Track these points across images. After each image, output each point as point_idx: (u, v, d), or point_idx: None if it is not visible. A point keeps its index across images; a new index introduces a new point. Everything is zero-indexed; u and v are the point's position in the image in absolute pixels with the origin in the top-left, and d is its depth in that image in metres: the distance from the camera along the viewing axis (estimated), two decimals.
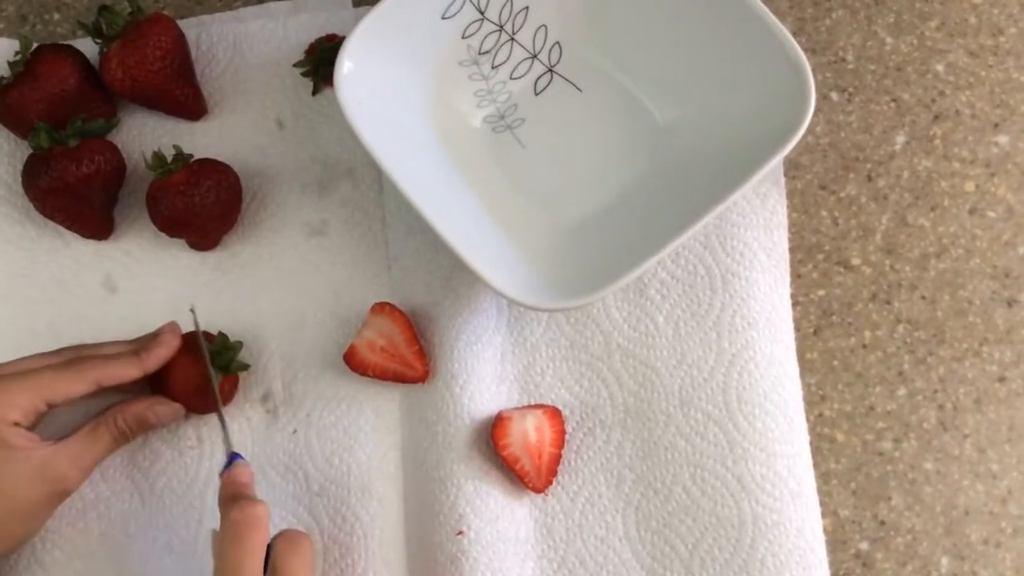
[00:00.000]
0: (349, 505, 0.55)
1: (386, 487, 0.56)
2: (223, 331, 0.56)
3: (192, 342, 0.55)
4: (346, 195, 0.60)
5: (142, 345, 0.54)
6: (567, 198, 0.59)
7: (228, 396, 0.56)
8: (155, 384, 0.55)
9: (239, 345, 0.56)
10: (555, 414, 0.56)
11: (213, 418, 0.56)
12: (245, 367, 0.56)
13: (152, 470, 0.56)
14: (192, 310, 0.55)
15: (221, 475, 0.51)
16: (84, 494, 0.56)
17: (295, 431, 0.57)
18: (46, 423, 0.52)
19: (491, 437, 0.55)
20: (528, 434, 0.54)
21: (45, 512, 0.51)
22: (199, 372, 0.54)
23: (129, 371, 0.52)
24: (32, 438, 0.50)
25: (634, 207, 0.57)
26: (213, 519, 0.52)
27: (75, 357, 0.52)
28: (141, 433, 0.54)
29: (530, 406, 0.56)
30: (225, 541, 0.46)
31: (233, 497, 0.49)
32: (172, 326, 0.56)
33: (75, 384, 0.51)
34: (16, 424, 0.49)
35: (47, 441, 0.51)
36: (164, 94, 0.60)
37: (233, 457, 0.52)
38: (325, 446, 0.56)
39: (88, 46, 0.60)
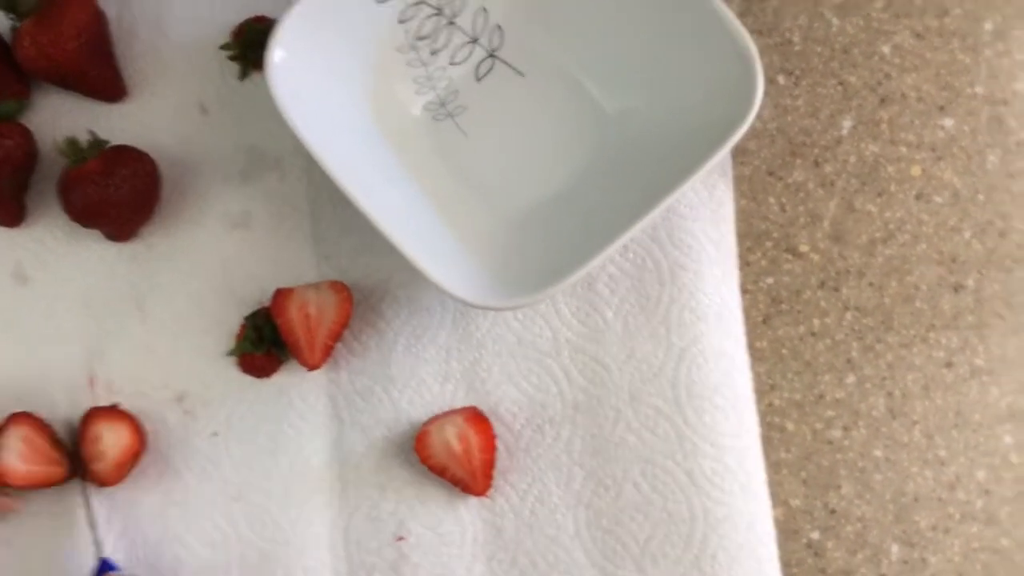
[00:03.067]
0: (268, 511, 0.54)
1: (308, 492, 0.54)
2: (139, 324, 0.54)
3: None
4: (272, 187, 0.58)
5: None
6: (512, 189, 0.57)
7: None
8: None
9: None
10: (478, 417, 0.54)
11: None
12: None
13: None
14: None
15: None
16: None
17: (215, 434, 0.55)
18: None
19: (414, 450, 0.53)
20: (451, 443, 0.53)
21: None
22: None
23: None
24: None
25: (581, 198, 0.56)
26: (121, 524, 0.53)
27: None
28: None
29: (450, 412, 0.55)
30: None
31: None
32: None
33: None
34: None
35: None
36: (80, 74, 0.56)
37: (104, 565, 0.49)
38: (246, 449, 0.55)
39: (0, 21, 0.56)
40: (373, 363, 0.56)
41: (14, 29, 0.55)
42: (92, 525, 0.51)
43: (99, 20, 0.57)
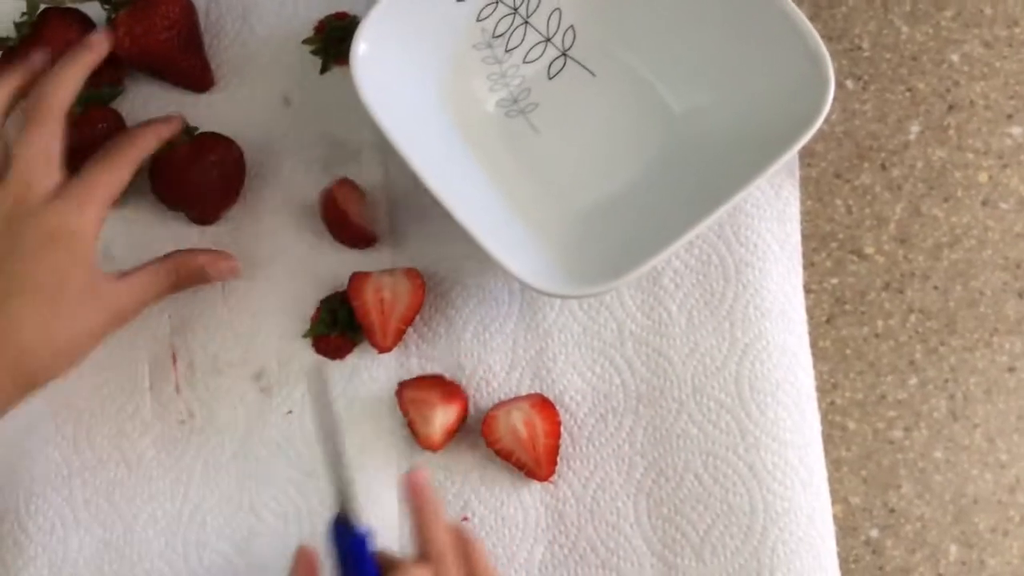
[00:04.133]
0: None
1: (377, 470, 0.56)
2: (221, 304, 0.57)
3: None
4: (351, 177, 0.60)
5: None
6: (581, 184, 0.58)
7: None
8: None
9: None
10: (545, 404, 0.55)
11: (208, 392, 0.57)
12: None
13: (141, 441, 0.56)
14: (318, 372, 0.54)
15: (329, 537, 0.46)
16: (70, 460, 0.56)
17: (290, 411, 0.57)
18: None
19: (481, 434, 0.55)
20: (517, 428, 0.54)
21: (99, 338, 0.52)
22: None
23: (158, 131, 0.54)
24: (97, 272, 0.51)
25: (649, 195, 0.57)
26: (198, 495, 0.55)
27: (108, 146, 0.53)
28: (197, 283, 0.56)
29: (517, 399, 0.56)
30: None
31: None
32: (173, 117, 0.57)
33: (123, 172, 0.52)
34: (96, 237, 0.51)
35: (111, 274, 0.52)
36: (171, 64, 0.59)
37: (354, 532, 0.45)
38: None
39: (96, 11, 0.59)
40: (442, 349, 0.57)
41: (109, 19, 0.58)
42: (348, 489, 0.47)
43: (190, 12, 0.59)
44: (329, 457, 0.46)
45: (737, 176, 0.52)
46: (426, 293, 0.57)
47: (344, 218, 0.57)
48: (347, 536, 0.46)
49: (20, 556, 0.55)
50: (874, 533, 0.55)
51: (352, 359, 0.57)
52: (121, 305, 0.52)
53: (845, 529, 0.55)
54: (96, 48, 0.55)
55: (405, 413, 0.55)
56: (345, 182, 0.58)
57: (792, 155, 0.52)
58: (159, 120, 0.56)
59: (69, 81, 0.53)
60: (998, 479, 0.55)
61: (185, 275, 0.54)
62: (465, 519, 0.55)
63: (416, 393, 0.55)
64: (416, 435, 0.54)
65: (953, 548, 0.54)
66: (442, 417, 0.54)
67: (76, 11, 0.59)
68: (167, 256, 0.54)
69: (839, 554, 0.54)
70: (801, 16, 0.53)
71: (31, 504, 0.56)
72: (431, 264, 0.58)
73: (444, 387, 0.55)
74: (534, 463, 0.55)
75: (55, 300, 0.50)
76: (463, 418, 0.55)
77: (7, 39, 0.58)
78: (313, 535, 0.55)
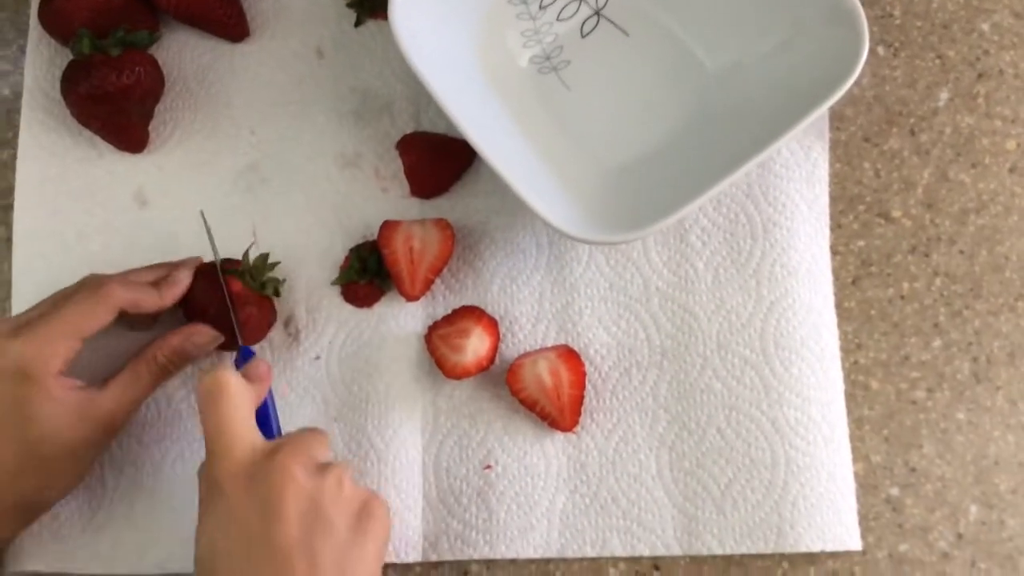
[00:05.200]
0: (365, 432, 0.56)
1: (403, 417, 0.56)
2: (252, 251, 0.57)
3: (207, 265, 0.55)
4: (383, 129, 0.61)
5: (162, 277, 0.54)
6: (612, 141, 0.59)
7: (262, 324, 0.56)
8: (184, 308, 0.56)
9: (274, 266, 0.57)
10: (571, 355, 0.56)
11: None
12: (277, 292, 0.57)
13: (171, 382, 0.57)
14: (201, 214, 0.57)
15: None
16: None
17: (317, 357, 0.57)
18: (88, 364, 0.52)
19: (506, 383, 0.55)
20: (542, 378, 0.55)
21: (96, 449, 0.52)
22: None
23: (149, 300, 0.52)
24: (74, 384, 0.50)
25: (679, 152, 0.57)
26: None
27: (92, 282, 0.52)
28: (183, 365, 0.55)
29: (543, 349, 0.57)
30: (201, 410, 0.47)
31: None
32: (191, 262, 0.56)
33: (101, 315, 0.51)
34: (59, 372, 0.49)
35: (92, 386, 0.51)
36: (208, 12, 0.60)
37: (245, 352, 0.53)
38: (345, 373, 0.57)
39: None
40: (469, 300, 0.58)
41: None
42: (235, 316, 0.54)
43: None
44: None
45: (768, 134, 0.52)
46: (455, 244, 0.57)
47: None
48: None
49: None
50: (895, 491, 0.55)
51: (380, 307, 0.58)
52: (109, 414, 0.51)
53: (866, 487, 0.55)
54: (180, 285, 0.54)
55: (434, 350, 0.55)
56: None
57: (822, 113, 0.52)
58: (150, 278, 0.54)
59: (137, 289, 0.52)
60: (1020, 441, 0.55)
61: (166, 363, 0.53)
62: (488, 467, 0.56)
63: (448, 328, 0.55)
64: (444, 368, 0.55)
65: (973, 508, 0.54)
66: (476, 342, 0.55)
67: None
68: (142, 351, 0.53)
69: (860, 511, 0.54)
70: None
71: None
72: (461, 217, 0.59)
73: (481, 316, 0.56)
74: (558, 413, 0.55)
75: (30, 437, 0.49)
76: (493, 353, 0.56)
77: None
78: None
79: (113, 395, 0.51)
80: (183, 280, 0.54)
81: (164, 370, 0.53)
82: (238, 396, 0.47)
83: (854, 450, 0.55)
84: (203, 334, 0.54)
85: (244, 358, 0.54)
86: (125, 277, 0.53)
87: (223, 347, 0.56)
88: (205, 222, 0.56)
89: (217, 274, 0.54)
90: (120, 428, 0.52)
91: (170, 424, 0.57)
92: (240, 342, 0.54)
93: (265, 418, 0.53)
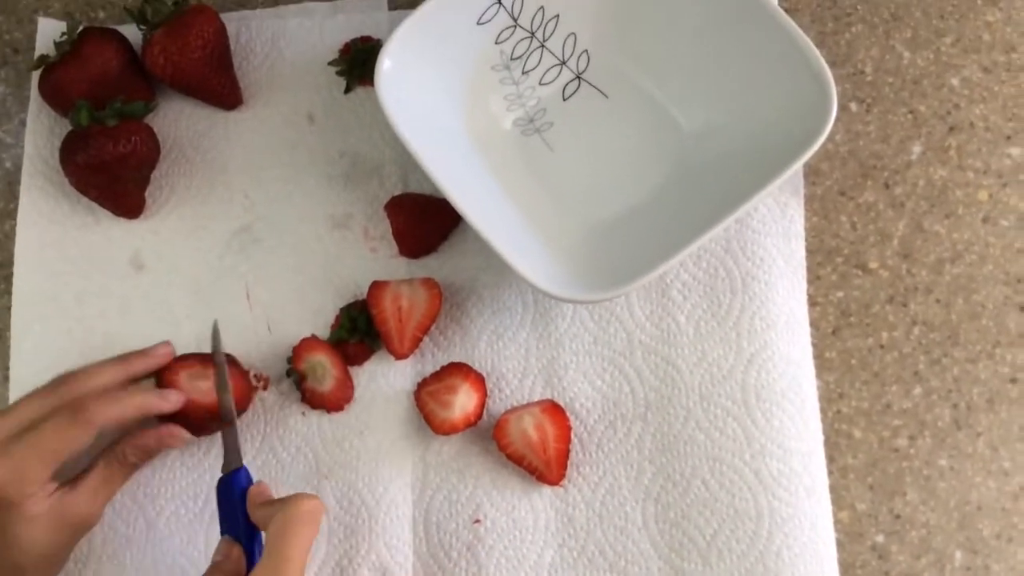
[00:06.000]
0: (356, 488, 0.57)
1: (393, 473, 0.57)
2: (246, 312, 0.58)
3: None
4: (372, 191, 0.62)
5: (134, 372, 0.54)
6: (593, 200, 0.61)
7: (246, 396, 0.58)
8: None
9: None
10: (556, 409, 0.57)
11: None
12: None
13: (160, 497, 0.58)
14: (215, 326, 0.57)
15: (219, 481, 0.52)
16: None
17: (304, 413, 0.58)
18: None
19: (493, 438, 0.56)
20: (528, 432, 0.56)
21: (69, 549, 0.53)
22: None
23: (127, 411, 0.52)
24: (47, 492, 0.50)
25: (659, 210, 0.59)
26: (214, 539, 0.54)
27: (72, 401, 0.51)
28: (150, 458, 0.55)
29: (529, 404, 0.58)
30: (284, 531, 0.47)
31: (270, 501, 0.50)
32: (159, 349, 0.56)
33: (79, 437, 0.50)
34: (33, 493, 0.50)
35: (62, 487, 0.51)
36: (202, 82, 0.62)
37: (240, 470, 0.53)
38: (336, 430, 0.58)
39: (132, 33, 0.63)
40: (457, 356, 0.59)
41: (145, 39, 0.61)
42: (236, 439, 0.54)
43: (222, 34, 0.62)
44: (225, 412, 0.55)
45: (744, 190, 0.54)
46: (443, 303, 0.59)
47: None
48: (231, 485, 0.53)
49: None
50: (880, 539, 0.55)
51: (370, 365, 0.59)
52: (83, 518, 0.52)
53: (851, 535, 0.55)
54: (169, 404, 0.54)
55: (423, 407, 0.56)
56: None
57: (796, 170, 0.54)
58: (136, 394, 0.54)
59: (119, 409, 0.52)
60: (1001, 486, 0.56)
61: (136, 459, 0.54)
62: (477, 522, 0.57)
63: (437, 385, 0.57)
64: (433, 424, 0.56)
65: (958, 554, 0.55)
66: (464, 398, 0.56)
67: (114, 31, 0.62)
68: (112, 447, 0.54)
69: (846, 560, 0.55)
70: (806, 39, 0.55)
71: None
72: (448, 276, 0.60)
73: (468, 372, 0.57)
74: (544, 467, 0.56)
75: (5, 557, 0.49)
76: (481, 409, 0.57)
77: (47, 57, 0.61)
78: (330, 536, 0.56)
79: (86, 498, 0.52)
80: (177, 401, 0.54)
81: (133, 467, 0.54)
82: (315, 531, 0.48)
83: (839, 499, 0.56)
84: (179, 439, 0.55)
85: (240, 478, 0.53)
86: (105, 390, 0.53)
87: (205, 432, 0.57)
88: (216, 334, 0.57)
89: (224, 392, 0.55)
90: (95, 525, 0.53)
91: (164, 483, 0.58)
92: (238, 461, 0.54)
93: (250, 530, 0.52)
